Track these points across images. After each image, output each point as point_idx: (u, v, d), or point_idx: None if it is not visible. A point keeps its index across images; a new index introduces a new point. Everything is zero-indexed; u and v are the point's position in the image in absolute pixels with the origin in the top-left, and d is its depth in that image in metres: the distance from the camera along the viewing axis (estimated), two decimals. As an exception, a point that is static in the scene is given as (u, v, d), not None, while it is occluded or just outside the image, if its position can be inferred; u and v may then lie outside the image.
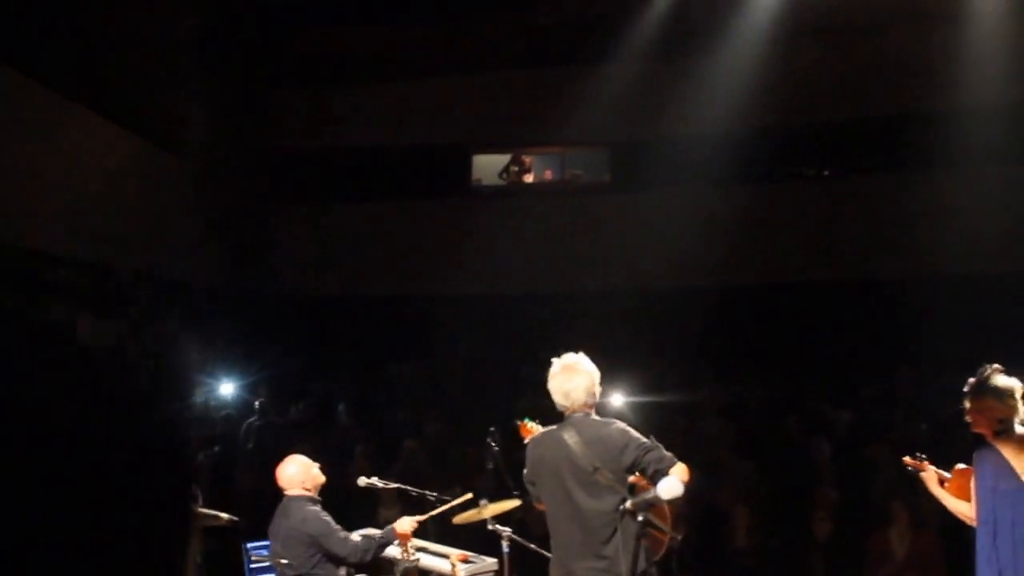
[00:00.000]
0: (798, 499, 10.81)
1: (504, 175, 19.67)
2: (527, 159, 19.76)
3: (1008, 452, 6.05)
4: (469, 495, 7.53)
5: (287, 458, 7.78)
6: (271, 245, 18.90)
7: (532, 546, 7.17)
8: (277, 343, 16.43)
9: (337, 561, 7.35)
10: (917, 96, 16.28)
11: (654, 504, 5.49)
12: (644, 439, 5.90)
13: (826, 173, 18.01)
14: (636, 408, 12.71)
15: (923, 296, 14.80)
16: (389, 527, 7.58)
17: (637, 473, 5.86)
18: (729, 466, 11.94)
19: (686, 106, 16.91)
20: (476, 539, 7.84)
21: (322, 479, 7.67)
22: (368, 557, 7.34)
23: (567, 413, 6.07)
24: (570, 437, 5.93)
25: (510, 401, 12.22)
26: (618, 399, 12.38)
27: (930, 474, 6.62)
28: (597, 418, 6.06)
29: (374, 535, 7.56)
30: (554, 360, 6.15)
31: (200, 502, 5.04)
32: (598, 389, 6.09)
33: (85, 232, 12.87)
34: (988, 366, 6.28)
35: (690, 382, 15.38)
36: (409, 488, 8.18)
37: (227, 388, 14.33)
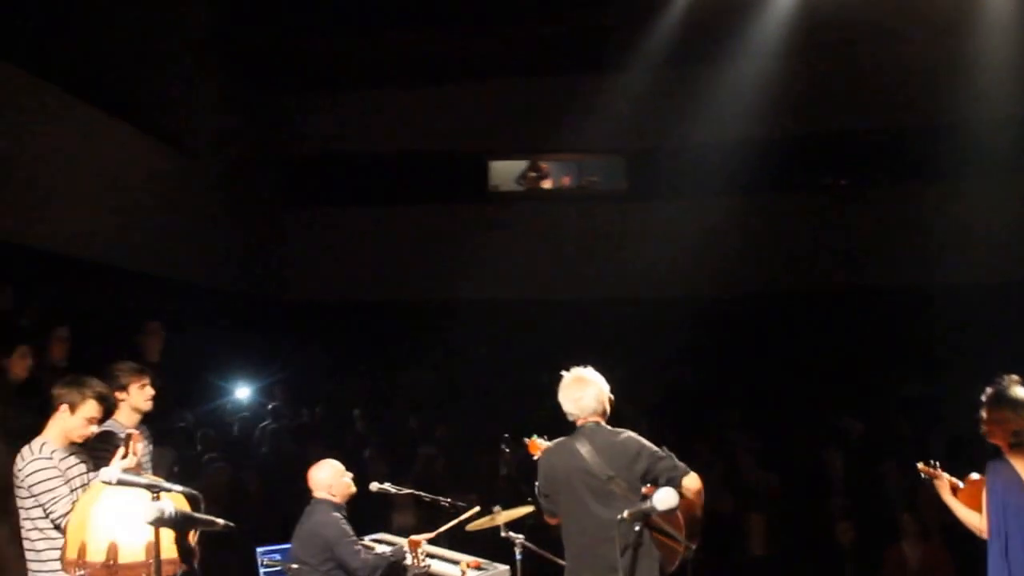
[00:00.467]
0: (812, 509, 10.81)
1: (521, 181, 19.69)
2: (544, 165, 19.77)
3: (1021, 466, 6.03)
4: (476, 508, 7.54)
5: (321, 461, 7.80)
6: (287, 249, 18.94)
7: (545, 553, 7.18)
8: (292, 347, 16.46)
9: (348, 571, 7.37)
10: (934, 106, 16.27)
11: (650, 514, 5.53)
12: (656, 448, 5.93)
13: (842, 182, 17.99)
14: (653, 416, 12.70)
15: (939, 306, 14.79)
16: (399, 546, 7.60)
17: (649, 484, 5.88)
18: (752, 476, 11.95)
19: (702, 114, 16.90)
20: (489, 546, 7.85)
21: (352, 489, 7.68)
22: (377, 574, 7.36)
23: (578, 423, 6.10)
24: (582, 447, 5.97)
25: (525, 407, 12.23)
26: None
27: (943, 482, 6.60)
28: (608, 427, 6.09)
29: (385, 552, 7.57)
30: (563, 373, 6.18)
31: (202, 507, 5.05)
32: (608, 399, 6.12)
33: (97, 235, 12.90)
34: (1005, 376, 6.26)
35: (707, 391, 15.41)
36: (423, 494, 8.20)
37: (241, 392, 14.34)
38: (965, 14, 14.76)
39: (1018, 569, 5.97)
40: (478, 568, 7.34)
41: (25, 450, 6.17)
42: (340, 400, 15.11)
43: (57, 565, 5.85)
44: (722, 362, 16.23)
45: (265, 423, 13.70)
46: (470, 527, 7.55)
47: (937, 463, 6.70)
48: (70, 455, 6.26)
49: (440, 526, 7.69)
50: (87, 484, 6.13)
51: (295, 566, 7.58)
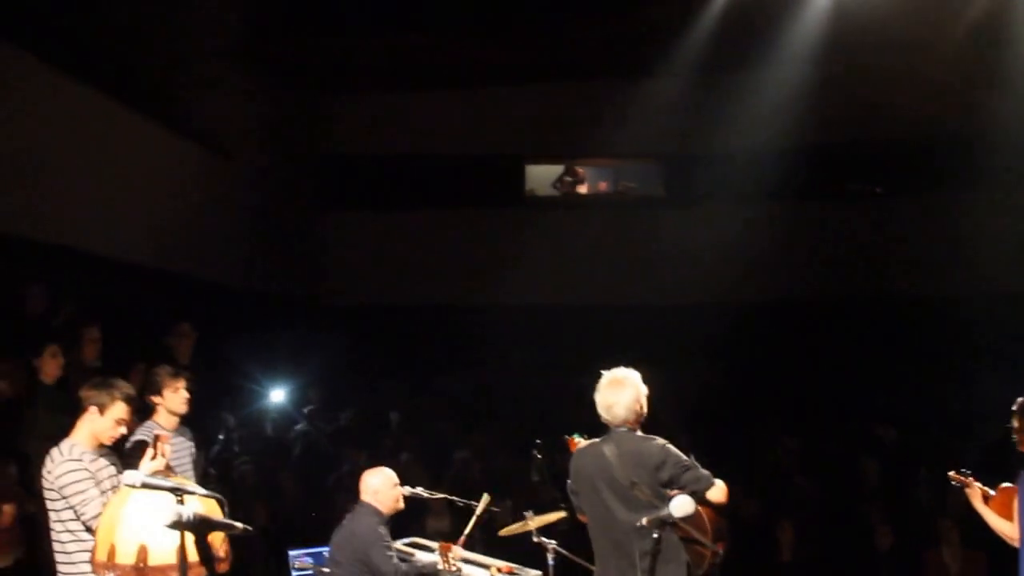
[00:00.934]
0: (846, 516, 10.77)
1: (557, 185, 19.65)
2: (580, 170, 19.73)
3: None
4: (487, 498, 7.52)
5: (377, 468, 7.79)
6: (322, 251, 18.97)
7: (578, 559, 7.14)
8: (328, 350, 16.48)
9: None
10: (966, 116, 16.15)
11: (668, 522, 5.52)
12: (684, 457, 5.93)
13: (877, 191, 17.90)
14: (690, 423, 12.66)
15: (972, 315, 14.69)
16: (434, 561, 7.56)
17: (676, 490, 5.84)
18: (794, 481, 11.92)
19: (739, 121, 16.81)
20: (522, 551, 7.81)
21: (400, 505, 7.69)
22: None
23: (610, 426, 6.06)
24: (609, 451, 5.98)
25: (561, 413, 12.20)
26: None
27: (974, 490, 6.59)
28: (639, 433, 6.08)
29: (420, 562, 7.55)
30: (603, 372, 6.15)
31: (226, 510, 5.03)
32: (643, 405, 6.08)
33: (129, 235, 12.94)
34: None
35: (742, 397, 15.35)
36: (455, 498, 8.19)
37: (276, 394, 14.36)
38: (997, 24, 14.65)
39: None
40: (510, 573, 7.31)
41: (55, 452, 6.17)
42: (376, 404, 15.12)
43: (87, 567, 5.85)
44: (757, 369, 16.18)
45: (299, 426, 13.73)
46: (503, 532, 7.53)
47: (969, 471, 6.66)
48: (100, 457, 6.26)
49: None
50: (117, 486, 6.13)
51: (326, 569, 7.58)
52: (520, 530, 7.42)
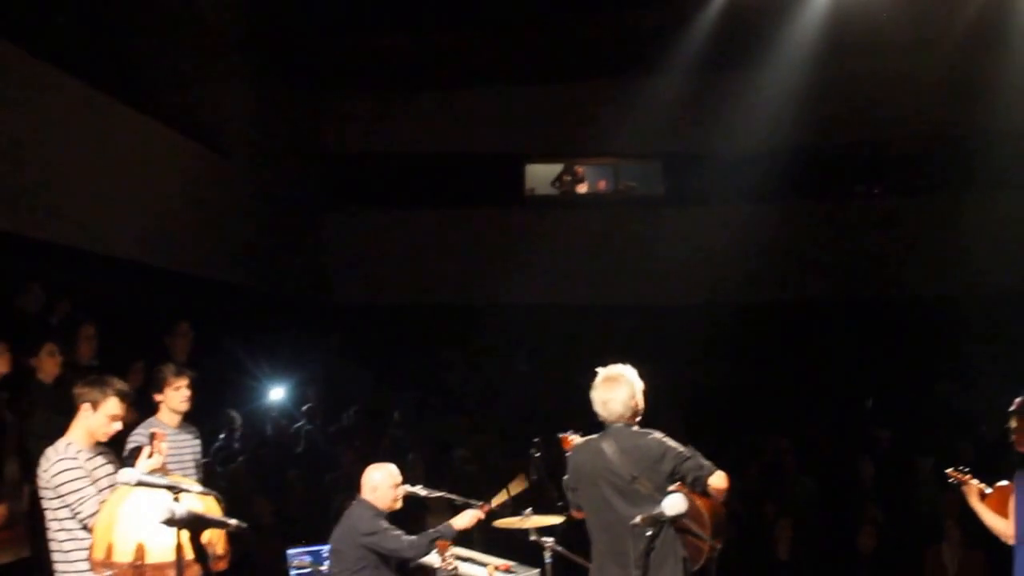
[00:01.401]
0: (842, 515, 10.80)
1: (557, 184, 19.66)
2: (580, 169, 19.75)
3: None
4: (524, 484, 7.54)
5: (380, 464, 7.78)
6: (324, 250, 18.99)
7: (575, 557, 7.14)
8: (328, 348, 16.49)
9: (393, 559, 7.37)
10: (965, 116, 16.27)
11: (660, 520, 5.54)
12: (682, 448, 5.97)
13: (874, 191, 17.96)
14: (687, 421, 12.65)
15: (969, 315, 14.77)
16: (447, 523, 7.60)
17: (678, 483, 5.89)
18: (789, 480, 11.94)
19: (739, 120, 16.87)
20: (519, 550, 7.82)
21: (398, 505, 7.67)
22: (425, 552, 7.37)
23: (607, 423, 6.07)
24: (608, 447, 5.99)
25: (562, 411, 12.20)
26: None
27: (971, 487, 6.64)
28: (636, 428, 6.09)
29: (429, 532, 7.58)
30: (599, 369, 6.16)
31: (224, 505, 5.04)
32: (639, 401, 6.09)
33: (127, 233, 12.93)
34: None
35: (740, 396, 15.36)
36: (454, 496, 8.19)
37: (277, 392, 14.37)
38: (996, 25, 14.70)
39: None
40: (507, 571, 7.32)
41: (50, 450, 6.16)
42: (377, 402, 15.11)
43: (84, 566, 5.85)
44: (756, 369, 16.22)
45: (300, 424, 13.74)
46: (498, 524, 7.55)
47: (967, 469, 6.70)
48: (96, 455, 6.25)
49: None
50: (114, 484, 6.12)
51: (324, 568, 7.57)
52: (516, 524, 7.43)
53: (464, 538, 7.68)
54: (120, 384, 6.36)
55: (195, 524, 4.88)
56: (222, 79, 15.30)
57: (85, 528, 5.98)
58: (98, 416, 6.20)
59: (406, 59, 17.72)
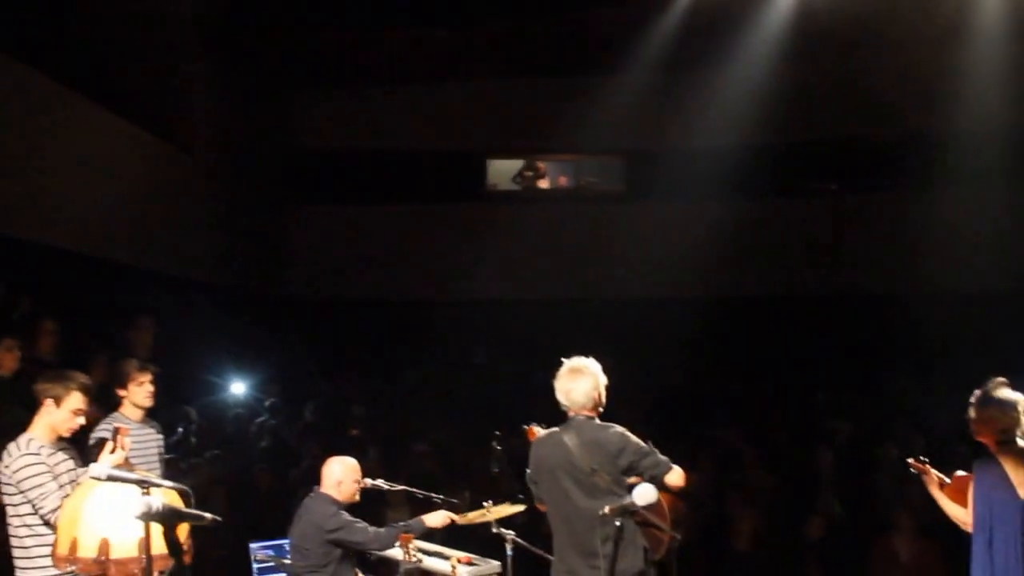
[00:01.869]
0: (801, 507, 10.90)
1: (518, 179, 19.72)
2: (541, 165, 19.82)
3: (1008, 465, 6.21)
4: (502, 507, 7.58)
5: (341, 457, 7.79)
6: (285, 245, 18.99)
7: (536, 549, 7.21)
8: (289, 343, 16.48)
9: (359, 552, 7.41)
10: (927, 114, 16.40)
11: (630, 510, 5.66)
12: (642, 444, 6.04)
13: (833, 188, 18.10)
14: (648, 416, 12.73)
15: (928, 312, 14.86)
16: (418, 518, 7.65)
17: (636, 477, 5.96)
18: (751, 476, 12.02)
19: (699, 118, 17.01)
20: (480, 542, 7.88)
21: (356, 498, 7.68)
22: (392, 544, 7.35)
23: (569, 414, 6.16)
24: (570, 439, 6.07)
25: (522, 406, 12.25)
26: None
27: (931, 477, 6.78)
28: (598, 421, 6.17)
29: (398, 525, 7.62)
30: (564, 361, 6.24)
31: (192, 502, 5.07)
32: (601, 393, 6.18)
33: (89, 228, 12.89)
34: (992, 379, 6.42)
35: (701, 391, 15.48)
36: (415, 490, 8.24)
37: (238, 387, 14.35)
38: (961, 23, 14.84)
39: (1001, 560, 6.16)
40: (469, 564, 7.36)
41: (12, 446, 6.17)
42: (337, 397, 15.12)
43: (46, 562, 5.86)
44: (715, 364, 16.37)
45: (262, 419, 13.72)
46: (461, 520, 7.60)
47: (926, 459, 6.85)
48: (58, 451, 6.26)
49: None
50: (76, 480, 6.14)
51: (287, 561, 7.60)
52: (478, 519, 7.49)
53: (426, 532, 7.73)
54: (83, 378, 6.38)
55: (171, 518, 4.92)
56: (185, 75, 15.28)
57: (47, 524, 5.99)
58: (62, 411, 6.22)
59: (368, 56, 17.71)
